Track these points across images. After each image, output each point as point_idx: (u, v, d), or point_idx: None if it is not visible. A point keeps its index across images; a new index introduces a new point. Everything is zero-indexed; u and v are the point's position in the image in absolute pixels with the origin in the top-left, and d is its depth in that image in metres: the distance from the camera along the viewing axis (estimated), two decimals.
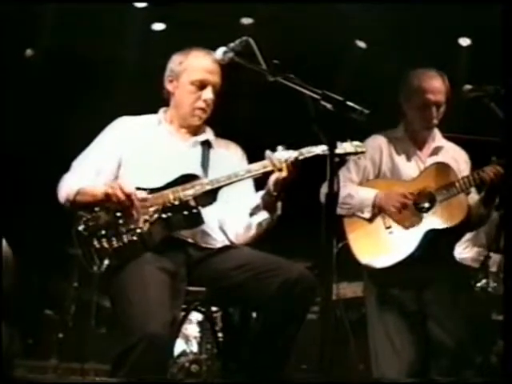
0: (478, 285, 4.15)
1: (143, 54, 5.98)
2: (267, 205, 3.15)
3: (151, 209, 3.04)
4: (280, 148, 3.04)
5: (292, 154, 3.02)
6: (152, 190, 3.09)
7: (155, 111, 3.41)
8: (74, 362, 5.36)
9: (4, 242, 3.77)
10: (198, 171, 3.20)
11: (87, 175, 3.18)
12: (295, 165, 3.01)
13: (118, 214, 3.03)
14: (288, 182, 3.03)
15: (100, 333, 5.98)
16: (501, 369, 3.04)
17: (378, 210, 3.73)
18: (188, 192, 3.07)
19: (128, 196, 3.00)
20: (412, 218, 3.69)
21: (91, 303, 5.89)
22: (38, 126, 6.04)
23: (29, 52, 6.20)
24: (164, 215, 3.04)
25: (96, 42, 6.08)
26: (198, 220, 3.10)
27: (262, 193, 3.17)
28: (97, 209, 3.07)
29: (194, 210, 3.07)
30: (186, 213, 3.06)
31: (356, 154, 3.12)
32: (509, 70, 3.29)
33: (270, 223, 3.20)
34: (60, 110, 6.12)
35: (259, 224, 3.20)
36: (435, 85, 3.78)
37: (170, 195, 3.07)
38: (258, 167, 3.09)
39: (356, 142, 3.11)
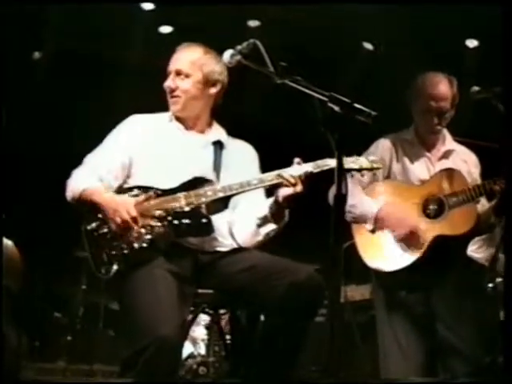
0: (490, 285, 4.13)
1: (150, 57, 5.98)
2: (275, 215, 3.13)
3: (161, 212, 3.02)
4: (296, 161, 3.01)
5: (307, 169, 2.99)
6: (164, 192, 3.07)
7: (163, 111, 3.40)
8: (82, 364, 5.37)
9: (12, 244, 3.78)
10: (210, 173, 3.18)
11: (97, 172, 3.14)
12: (309, 178, 2.98)
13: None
14: (300, 195, 3.01)
15: (108, 335, 6.00)
16: (502, 369, 3.03)
17: (379, 226, 3.71)
18: (201, 199, 3.04)
19: (125, 222, 2.98)
20: (413, 240, 3.67)
21: (99, 306, 5.91)
22: (46, 128, 6.06)
23: (36, 55, 6.22)
24: (175, 221, 3.02)
25: (103, 45, 6.10)
26: (208, 229, 3.08)
27: (269, 202, 3.13)
28: (100, 215, 3.04)
29: (205, 220, 3.06)
30: (196, 221, 3.05)
31: (371, 169, 3.08)
32: (509, 72, 3.27)
33: (278, 231, 3.19)
34: (68, 111, 6.15)
35: (267, 234, 3.19)
36: (439, 91, 3.75)
37: (183, 200, 3.04)
38: (272, 178, 3.04)
39: (372, 157, 3.09)
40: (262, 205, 3.19)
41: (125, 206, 3.00)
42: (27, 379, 4.43)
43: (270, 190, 3.18)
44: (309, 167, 3.00)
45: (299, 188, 2.98)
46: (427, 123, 3.81)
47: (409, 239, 3.65)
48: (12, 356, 3.68)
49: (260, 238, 3.21)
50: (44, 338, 5.93)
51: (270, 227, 3.17)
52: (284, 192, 3.02)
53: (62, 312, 6.10)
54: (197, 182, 3.09)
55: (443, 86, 3.77)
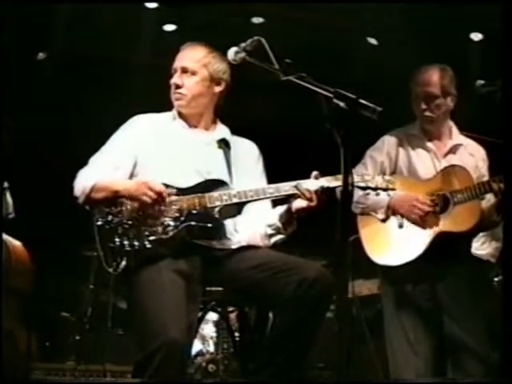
0: (496, 279, 4.13)
1: (154, 55, 5.99)
2: (285, 225, 3.16)
3: (176, 213, 3.03)
4: (314, 174, 3.01)
5: (324, 183, 2.99)
6: (179, 190, 3.08)
7: (167, 111, 3.41)
8: (91, 364, 5.38)
9: (21, 244, 3.79)
10: (222, 173, 3.20)
11: (104, 170, 3.14)
12: (325, 193, 3.00)
13: (141, 213, 3.01)
14: (314, 209, 3.03)
15: (117, 334, 6.00)
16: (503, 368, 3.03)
17: (392, 212, 3.72)
18: (215, 202, 3.04)
19: (159, 195, 3.00)
20: (428, 220, 3.67)
21: (108, 305, 5.90)
22: (52, 128, 6.08)
23: (41, 55, 6.22)
24: (187, 222, 3.02)
25: (107, 43, 6.10)
26: (219, 233, 3.11)
27: (281, 211, 3.15)
28: (114, 208, 3.05)
29: (217, 223, 3.09)
30: (208, 224, 3.06)
31: (386, 190, 3.06)
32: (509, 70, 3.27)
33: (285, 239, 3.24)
34: (73, 111, 6.16)
35: (275, 241, 3.23)
36: (427, 77, 3.79)
37: (196, 201, 3.05)
38: (288, 188, 3.04)
39: (388, 177, 3.09)
40: (271, 211, 3.21)
41: (153, 182, 3.02)
42: (37, 379, 4.44)
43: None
44: (326, 182, 3.00)
45: (314, 203, 3.00)
46: (418, 110, 3.83)
47: (422, 223, 3.66)
48: (23, 357, 3.69)
49: (268, 243, 3.23)
50: (53, 338, 5.94)
51: (280, 236, 3.21)
52: (298, 204, 3.05)
53: (70, 311, 6.10)
54: (212, 184, 3.10)
55: (431, 73, 3.80)
